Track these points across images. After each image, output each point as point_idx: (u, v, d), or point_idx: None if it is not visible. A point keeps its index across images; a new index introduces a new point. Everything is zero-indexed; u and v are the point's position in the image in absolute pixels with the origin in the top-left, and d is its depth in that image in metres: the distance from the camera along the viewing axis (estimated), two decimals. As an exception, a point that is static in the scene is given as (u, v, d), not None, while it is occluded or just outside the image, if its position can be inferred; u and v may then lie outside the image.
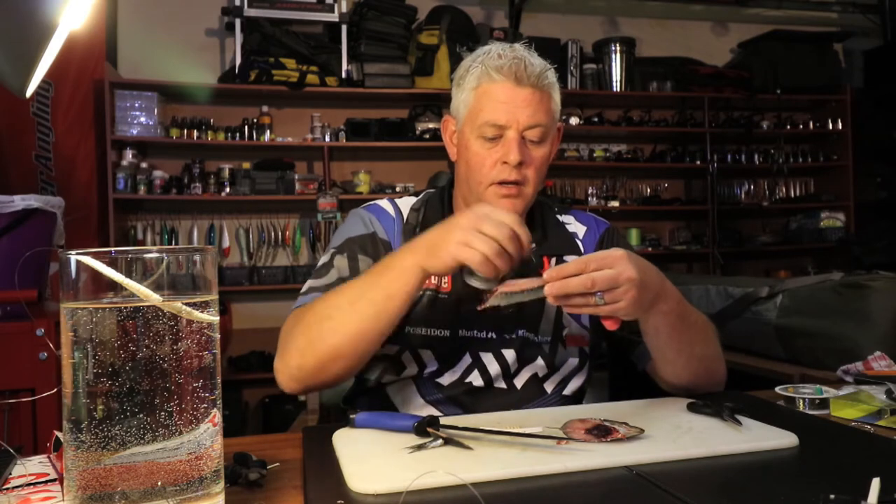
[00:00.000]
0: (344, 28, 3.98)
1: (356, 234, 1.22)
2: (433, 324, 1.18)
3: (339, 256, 1.19)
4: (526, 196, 1.17)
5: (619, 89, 4.56)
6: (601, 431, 0.86)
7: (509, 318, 1.17)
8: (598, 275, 0.91)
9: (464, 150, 1.19)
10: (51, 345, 1.69)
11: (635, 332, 1.15)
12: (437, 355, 1.17)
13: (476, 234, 0.93)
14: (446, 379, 1.18)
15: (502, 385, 1.19)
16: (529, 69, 1.13)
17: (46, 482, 0.82)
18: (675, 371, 1.13)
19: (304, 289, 1.18)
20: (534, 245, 0.99)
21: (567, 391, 1.23)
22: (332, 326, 1.01)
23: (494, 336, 1.18)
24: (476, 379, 1.18)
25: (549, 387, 1.21)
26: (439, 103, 4.30)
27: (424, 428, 0.87)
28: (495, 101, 1.13)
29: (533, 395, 1.20)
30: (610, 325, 0.98)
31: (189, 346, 0.65)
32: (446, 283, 1.20)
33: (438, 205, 1.28)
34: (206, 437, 0.66)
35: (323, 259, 1.21)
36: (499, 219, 0.94)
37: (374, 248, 1.20)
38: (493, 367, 1.18)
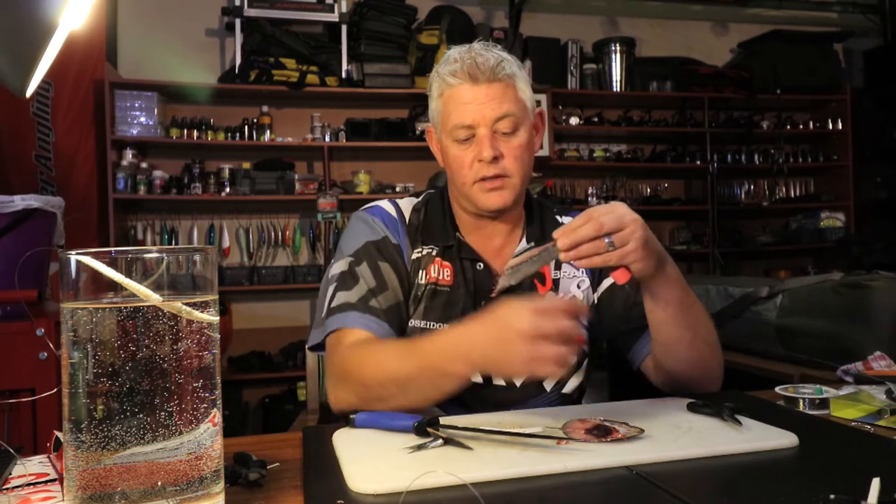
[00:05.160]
0: (344, 28, 3.98)
1: (368, 239, 1.22)
2: (431, 317, 1.18)
3: (360, 266, 1.18)
4: (513, 186, 1.17)
5: (619, 89, 4.56)
6: (601, 431, 0.86)
7: None
8: (606, 217, 0.93)
9: (445, 155, 1.22)
10: (51, 345, 1.69)
11: (639, 326, 1.15)
12: None
13: (541, 344, 0.87)
14: None
15: (502, 382, 1.19)
16: (483, 66, 1.14)
17: (46, 482, 0.82)
18: (678, 355, 1.12)
19: (335, 302, 1.16)
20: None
21: (566, 389, 1.23)
22: (383, 400, 1.01)
23: None
24: (475, 375, 1.17)
25: (548, 385, 1.22)
26: (439, 103, 4.29)
27: (424, 428, 0.87)
28: (458, 104, 1.15)
29: (532, 393, 1.21)
30: (620, 277, 0.97)
31: (189, 346, 0.65)
32: (447, 277, 1.20)
33: (439, 204, 1.28)
34: (206, 437, 0.66)
35: (340, 267, 1.20)
36: (549, 310, 0.88)
37: (388, 253, 1.21)
38: None
